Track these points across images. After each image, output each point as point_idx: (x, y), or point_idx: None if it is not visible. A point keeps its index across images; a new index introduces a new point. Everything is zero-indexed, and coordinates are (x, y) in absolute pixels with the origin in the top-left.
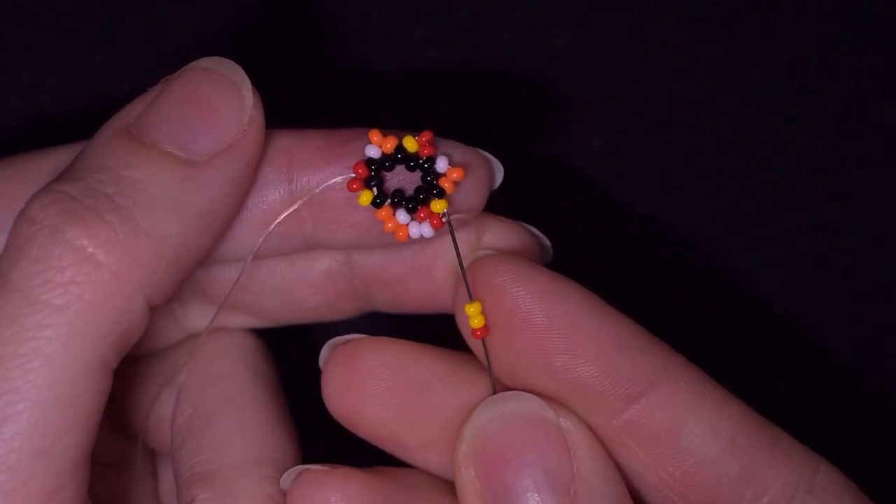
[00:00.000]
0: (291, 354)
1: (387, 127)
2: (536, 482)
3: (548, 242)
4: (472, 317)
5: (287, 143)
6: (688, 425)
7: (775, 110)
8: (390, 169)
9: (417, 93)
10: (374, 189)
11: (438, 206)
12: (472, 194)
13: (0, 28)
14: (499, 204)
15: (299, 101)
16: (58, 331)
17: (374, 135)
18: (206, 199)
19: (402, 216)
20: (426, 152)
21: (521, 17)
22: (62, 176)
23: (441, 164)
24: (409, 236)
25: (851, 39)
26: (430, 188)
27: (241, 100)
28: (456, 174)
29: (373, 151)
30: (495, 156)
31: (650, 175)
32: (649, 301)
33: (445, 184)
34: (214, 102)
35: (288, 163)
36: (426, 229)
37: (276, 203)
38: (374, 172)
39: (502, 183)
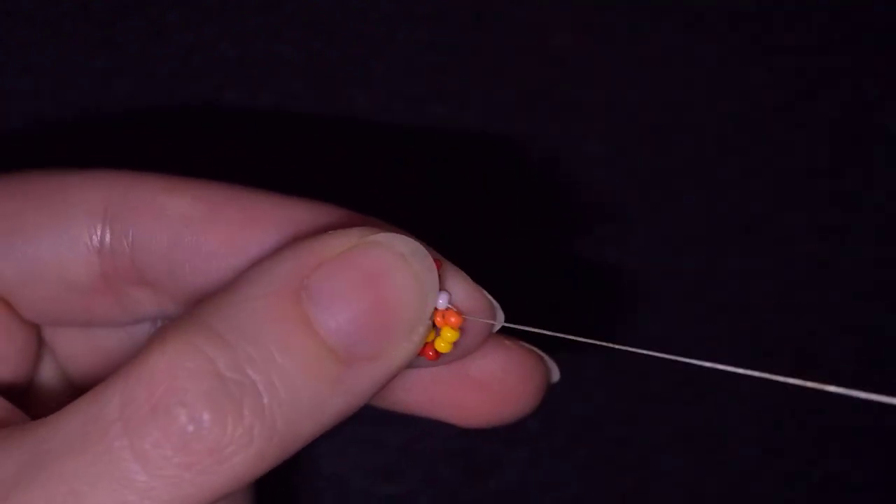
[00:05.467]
0: None
1: (388, 129)
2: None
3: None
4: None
5: (299, 215)
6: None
7: (776, 113)
8: None
9: (417, 94)
10: None
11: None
12: (469, 339)
13: None
14: (498, 205)
15: (298, 103)
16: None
17: None
18: (346, 407)
19: None
20: None
21: (521, 18)
22: (211, 322)
23: (441, 301)
24: None
25: (852, 41)
26: None
27: (422, 310)
28: (454, 320)
29: None
30: (493, 154)
31: (649, 177)
32: (649, 302)
33: (437, 318)
34: (396, 304)
35: (292, 234)
36: None
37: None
38: None
39: (502, 184)
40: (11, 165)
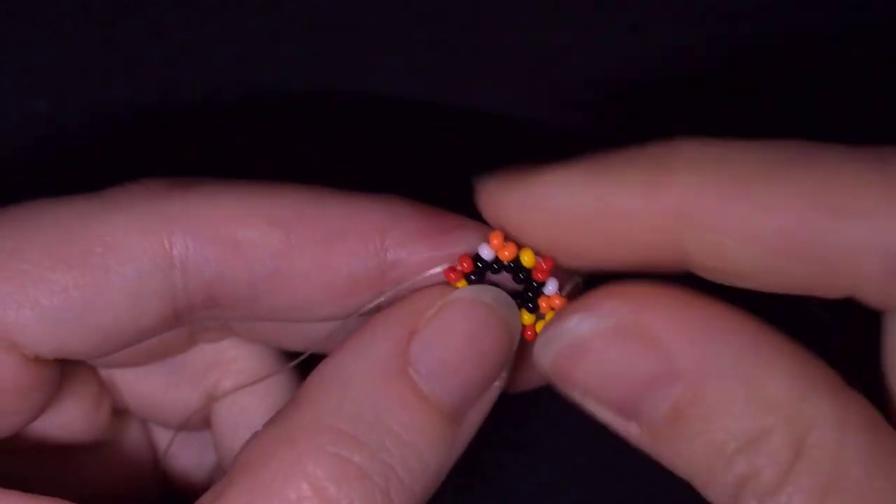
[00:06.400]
0: None
1: (388, 129)
2: None
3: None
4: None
5: (380, 218)
6: None
7: (776, 112)
8: (496, 272)
9: (417, 94)
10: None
11: (527, 318)
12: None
13: None
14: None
15: (297, 102)
16: None
17: (496, 237)
18: (455, 458)
19: None
20: (540, 277)
21: (521, 18)
22: (336, 423)
23: (550, 287)
24: None
25: (853, 41)
26: (527, 302)
27: (513, 350)
28: (558, 303)
29: (486, 252)
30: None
31: None
32: None
33: (542, 303)
34: (494, 354)
35: (381, 241)
36: None
37: (362, 277)
38: (479, 270)
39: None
40: (11, 165)
